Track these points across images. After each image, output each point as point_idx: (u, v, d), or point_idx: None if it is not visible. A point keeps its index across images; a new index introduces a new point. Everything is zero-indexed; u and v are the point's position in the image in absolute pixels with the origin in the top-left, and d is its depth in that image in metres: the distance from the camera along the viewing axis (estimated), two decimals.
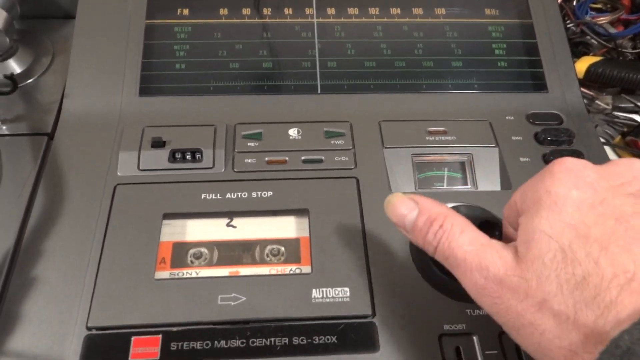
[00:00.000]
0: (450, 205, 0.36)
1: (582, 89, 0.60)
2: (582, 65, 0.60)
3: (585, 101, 0.57)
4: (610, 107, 0.58)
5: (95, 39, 0.44)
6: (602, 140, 0.58)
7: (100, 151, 0.38)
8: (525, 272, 0.23)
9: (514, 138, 0.41)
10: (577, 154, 0.39)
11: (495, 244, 0.25)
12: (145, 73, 0.43)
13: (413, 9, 0.47)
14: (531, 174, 0.38)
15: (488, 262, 0.24)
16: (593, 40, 0.65)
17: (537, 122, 0.42)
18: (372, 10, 0.47)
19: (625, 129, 0.58)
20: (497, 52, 0.46)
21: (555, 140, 0.40)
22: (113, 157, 0.38)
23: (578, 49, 0.66)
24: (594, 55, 0.64)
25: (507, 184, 0.38)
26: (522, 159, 0.39)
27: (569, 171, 0.25)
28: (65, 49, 0.45)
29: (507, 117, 0.42)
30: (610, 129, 0.59)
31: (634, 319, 0.20)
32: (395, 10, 0.47)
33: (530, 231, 0.24)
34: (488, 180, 0.39)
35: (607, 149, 0.57)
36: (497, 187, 0.38)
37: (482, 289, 0.24)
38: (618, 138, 0.58)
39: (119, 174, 0.37)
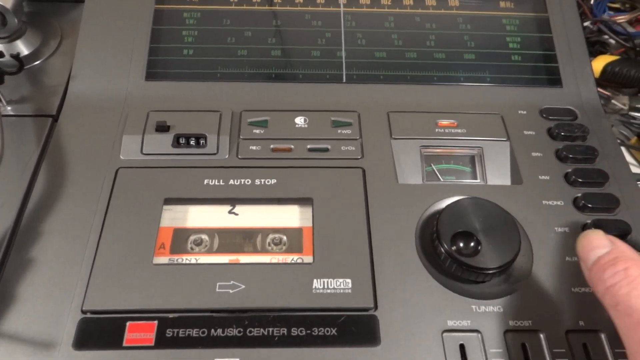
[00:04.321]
0: (456, 198, 0.35)
1: (598, 89, 0.59)
2: (599, 64, 0.59)
3: (601, 101, 0.56)
4: (626, 107, 0.57)
5: (103, 22, 0.43)
6: (617, 141, 0.57)
7: (104, 134, 0.38)
8: None
9: (526, 132, 0.40)
10: (591, 150, 0.38)
11: None
12: (152, 58, 0.42)
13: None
14: (543, 169, 0.37)
15: None
16: (610, 40, 0.64)
17: (550, 117, 0.41)
18: (385, 0, 0.46)
19: None
20: (511, 45, 0.45)
21: (569, 135, 0.39)
22: (117, 140, 0.38)
23: (594, 48, 0.65)
24: (611, 54, 0.63)
25: (518, 178, 0.37)
26: (534, 154, 0.38)
27: None
28: (73, 32, 0.45)
29: (519, 112, 0.41)
30: (626, 129, 0.57)
31: None
32: (407, 1, 0.46)
33: None
34: (498, 175, 0.38)
35: (622, 150, 0.56)
36: (507, 182, 0.37)
37: None
38: (634, 139, 0.56)
39: (121, 157, 0.37)
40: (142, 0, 0.45)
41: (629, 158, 0.56)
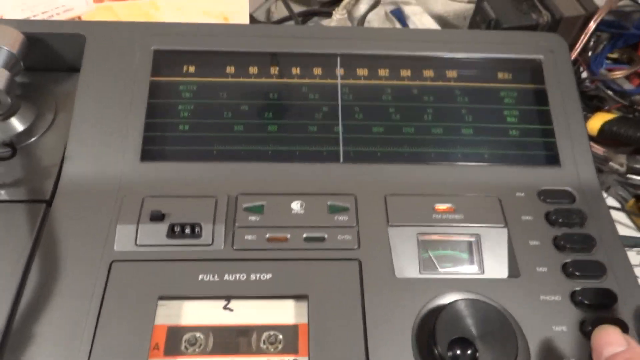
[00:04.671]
0: (454, 296, 0.35)
1: (596, 146, 0.59)
2: (596, 122, 0.59)
3: (596, 160, 0.55)
4: (624, 168, 0.57)
5: (98, 96, 0.43)
6: (616, 205, 0.56)
7: (99, 222, 0.37)
8: None
9: (523, 218, 0.39)
10: (589, 239, 0.38)
11: None
12: (148, 134, 0.42)
13: (424, 71, 0.46)
14: (540, 259, 0.37)
15: None
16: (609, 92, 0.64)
17: (548, 200, 0.40)
18: (382, 72, 0.46)
19: None
20: (509, 119, 0.45)
21: (567, 222, 0.39)
22: (111, 228, 0.37)
23: (592, 103, 0.65)
24: (609, 109, 0.63)
25: (515, 270, 0.37)
26: (531, 242, 0.38)
27: None
28: (68, 104, 0.44)
29: (517, 194, 0.41)
30: (623, 191, 0.57)
31: None
32: (405, 72, 0.46)
33: None
34: (495, 265, 0.37)
35: (622, 214, 0.56)
36: (504, 274, 0.37)
37: None
38: (632, 202, 0.56)
39: (115, 249, 0.36)
40: (138, 71, 0.44)
41: (626, 221, 0.56)
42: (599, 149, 0.59)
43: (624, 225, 0.55)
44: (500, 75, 0.47)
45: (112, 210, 0.38)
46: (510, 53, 0.47)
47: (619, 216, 0.55)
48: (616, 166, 0.57)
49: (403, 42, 0.47)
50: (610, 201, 0.57)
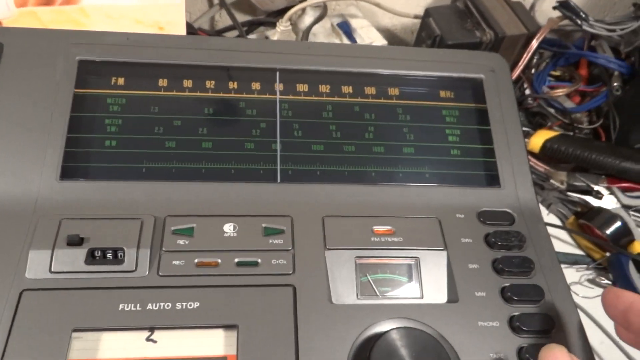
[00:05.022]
0: (391, 324, 0.33)
1: (538, 163, 0.59)
2: (538, 140, 0.60)
3: (533, 176, 0.56)
4: (564, 185, 0.58)
5: (15, 109, 0.39)
6: (557, 222, 0.57)
7: (10, 247, 0.34)
8: None
9: (463, 240, 0.39)
10: (528, 263, 0.37)
11: None
12: (69, 150, 0.39)
13: (365, 88, 0.45)
14: (479, 283, 0.37)
15: None
16: (550, 110, 0.65)
17: (488, 222, 0.40)
18: (323, 88, 0.45)
19: (579, 209, 0.58)
20: (450, 138, 0.44)
21: (506, 245, 0.38)
22: (23, 254, 0.34)
23: (535, 120, 0.65)
24: (550, 127, 0.64)
25: (454, 295, 0.36)
26: (470, 266, 0.37)
27: None
28: None
29: (457, 215, 0.40)
30: (564, 207, 0.58)
31: None
32: (346, 89, 0.45)
33: None
34: (434, 289, 0.37)
35: (562, 232, 0.56)
36: (443, 299, 0.36)
37: None
38: (572, 218, 0.57)
39: (27, 276, 0.33)
40: (61, 83, 0.41)
41: (567, 238, 0.57)
42: (541, 166, 0.60)
43: (564, 242, 0.56)
44: (442, 93, 0.46)
45: (25, 234, 0.35)
46: (452, 72, 0.46)
47: (559, 233, 0.56)
48: (557, 184, 0.58)
49: (344, 58, 0.46)
50: (552, 218, 0.57)
